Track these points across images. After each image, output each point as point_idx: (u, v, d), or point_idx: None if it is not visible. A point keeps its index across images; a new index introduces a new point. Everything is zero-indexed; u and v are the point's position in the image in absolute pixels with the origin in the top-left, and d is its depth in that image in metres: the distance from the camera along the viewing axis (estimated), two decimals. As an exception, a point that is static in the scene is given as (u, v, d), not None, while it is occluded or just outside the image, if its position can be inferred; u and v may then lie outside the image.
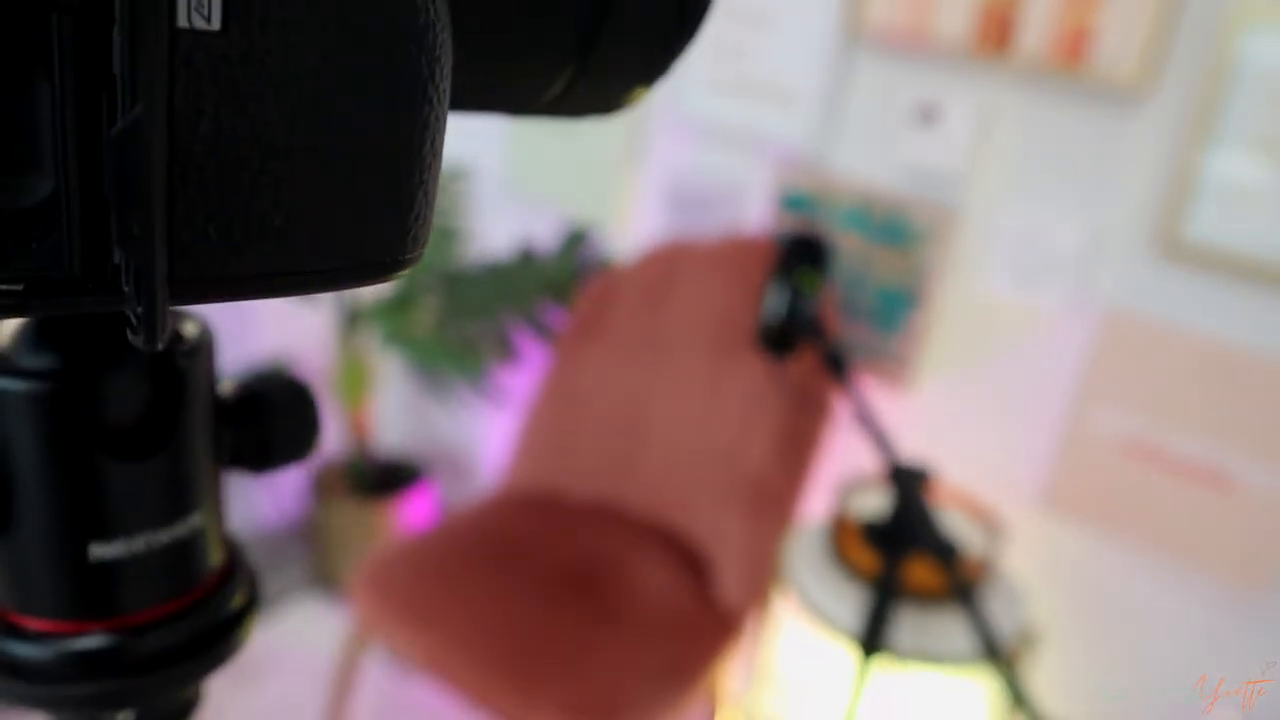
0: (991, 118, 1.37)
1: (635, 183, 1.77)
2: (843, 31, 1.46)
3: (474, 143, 1.97)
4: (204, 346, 0.24)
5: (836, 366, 1.10)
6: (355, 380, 1.90)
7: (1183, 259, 1.26)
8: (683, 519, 1.57)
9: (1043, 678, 1.42)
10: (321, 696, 1.69)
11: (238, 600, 0.26)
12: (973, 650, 1.09)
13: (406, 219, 0.18)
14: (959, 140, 1.39)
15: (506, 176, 1.93)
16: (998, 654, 0.86)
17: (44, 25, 0.14)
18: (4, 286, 0.15)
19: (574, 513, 1.60)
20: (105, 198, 0.15)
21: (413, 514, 1.97)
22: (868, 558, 1.13)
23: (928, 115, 1.41)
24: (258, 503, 2.14)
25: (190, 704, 0.26)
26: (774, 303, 1.16)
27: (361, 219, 0.17)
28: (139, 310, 0.15)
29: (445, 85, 0.18)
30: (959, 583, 0.90)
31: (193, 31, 0.14)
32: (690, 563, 1.51)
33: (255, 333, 2.01)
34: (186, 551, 0.24)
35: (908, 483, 0.97)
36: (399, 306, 1.88)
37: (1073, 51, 1.28)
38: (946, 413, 1.49)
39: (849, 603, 1.15)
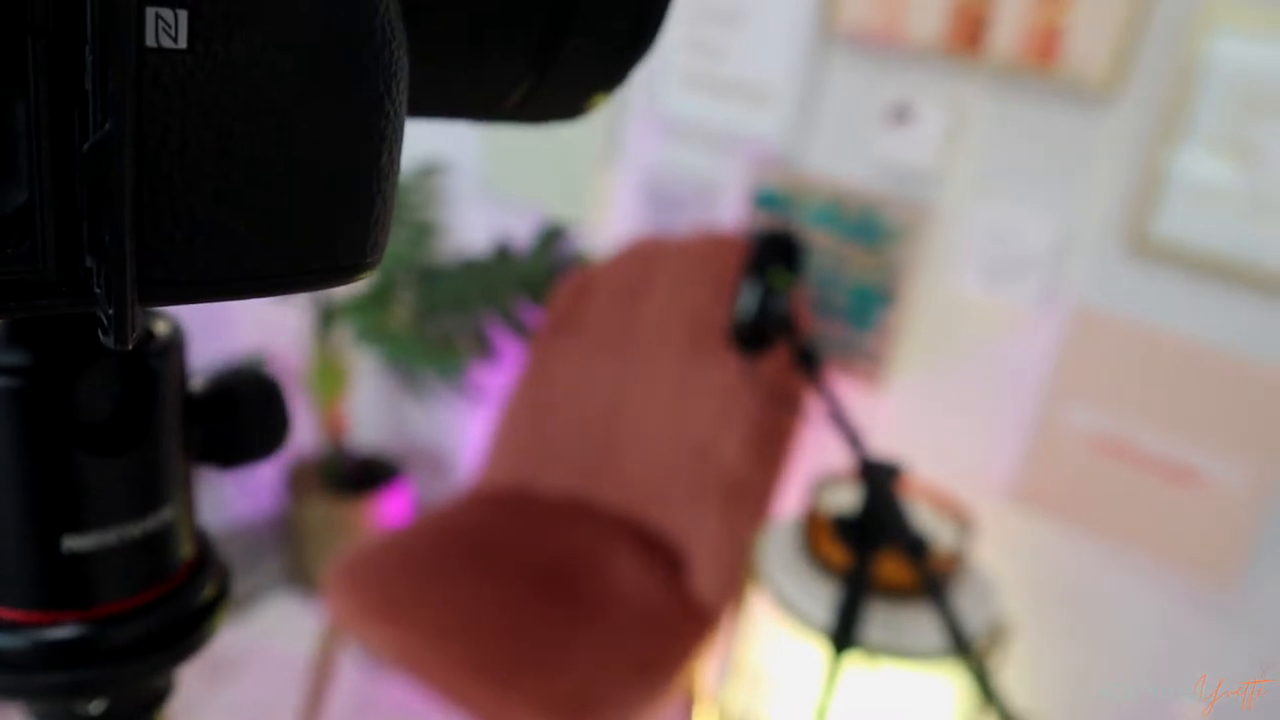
0: (964, 116, 1.39)
1: (611, 180, 1.78)
2: (816, 30, 1.48)
3: (451, 139, 1.97)
4: (175, 345, 0.25)
5: (808, 364, 1.11)
6: (330, 377, 1.90)
7: (1151, 257, 1.28)
8: (658, 515, 1.58)
9: (1013, 672, 1.44)
10: (296, 694, 1.69)
11: (208, 592, 0.27)
12: (943, 646, 1.10)
13: (366, 225, 0.19)
14: (931, 139, 1.41)
15: (483, 173, 1.93)
16: (967, 650, 0.87)
17: (19, 47, 0.15)
18: None
19: (549, 509, 1.61)
20: (78, 206, 0.15)
21: (388, 511, 1.97)
22: (839, 553, 1.14)
23: (901, 114, 1.43)
24: (233, 499, 2.13)
25: (162, 693, 0.27)
26: (746, 300, 1.17)
27: (322, 225, 0.18)
28: (110, 312, 0.16)
29: (401, 99, 0.18)
30: (929, 578, 0.91)
31: (160, 50, 0.15)
32: (665, 559, 1.52)
33: (231, 329, 2.00)
34: (157, 544, 0.25)
35: (878, 478, 0.98)
36: (374, 303, 1.88)
37: (1044, 51, 1.29)
38: (919, 409, 1.51)
39: (821, 598, 1.16)
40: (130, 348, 0.16)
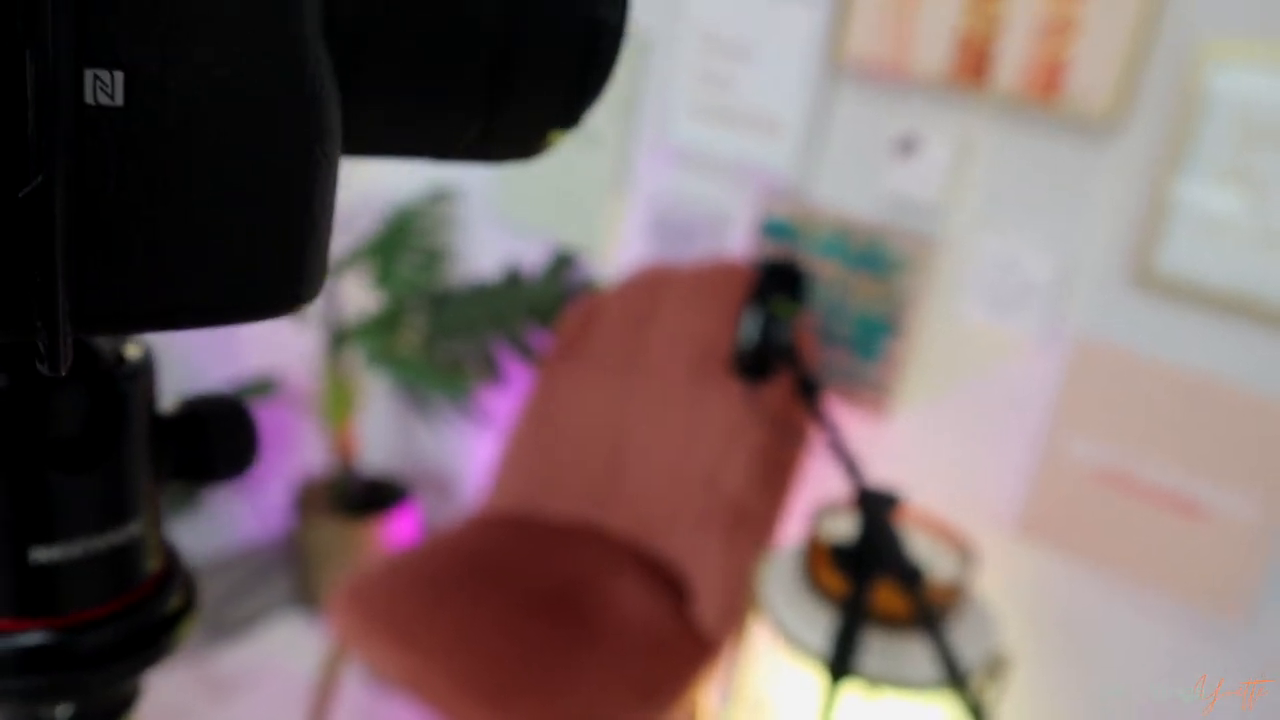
0: (969, 148, 1.40)
1: (621, 209, 1.80)
2: (824, 63, 1.49)
3: (462, 167, 1.99)
4: (145, 369, 0.26)
5: (809, 393, 1.11)
6: (340, 399, 1.92)
7: (1155, 288, 1.28)
8: (662, 541, 1.58)
9: (1014, 704, 1.43)
10: (300, 713, 1.69)
11: (174, 603, 0.28)
12: (940, 676, 1.10)
13: (298, 263, 0.20)
14: (937, 170, 1.42)
15: (494, 200, 1.95)
16: (961, 681, 0.87)
17: None
18: None
19: (554, 533, 1.61)
20: (16, 248, 0.17)
21: (396, 533, 1.98)
22: (838, 582, 1.15)
23: (907, 146, 1.44)
24: (243, 519, 2.15)
25: (128, 700, 0.28)
26: (749, 328, 1.18)
27: (254, 262, 0.20)
28: (45, 342, 0.17)
29: (332, 145, 0.20)
30: (924, 608, 0.91)
31: (98, 107, 0.17)
32: (669, 585, 1.52)
33: (242, 352, 2.03)
34: (124, 557, 0.26)
35: (875, 507, 0.98)
36: (385, 326, 1.90)
37: (1048, 83, 1.31)
38: (924, 439, 1.51)
39: (820, 626, 1.16)
40: (62, 374, 0.17)
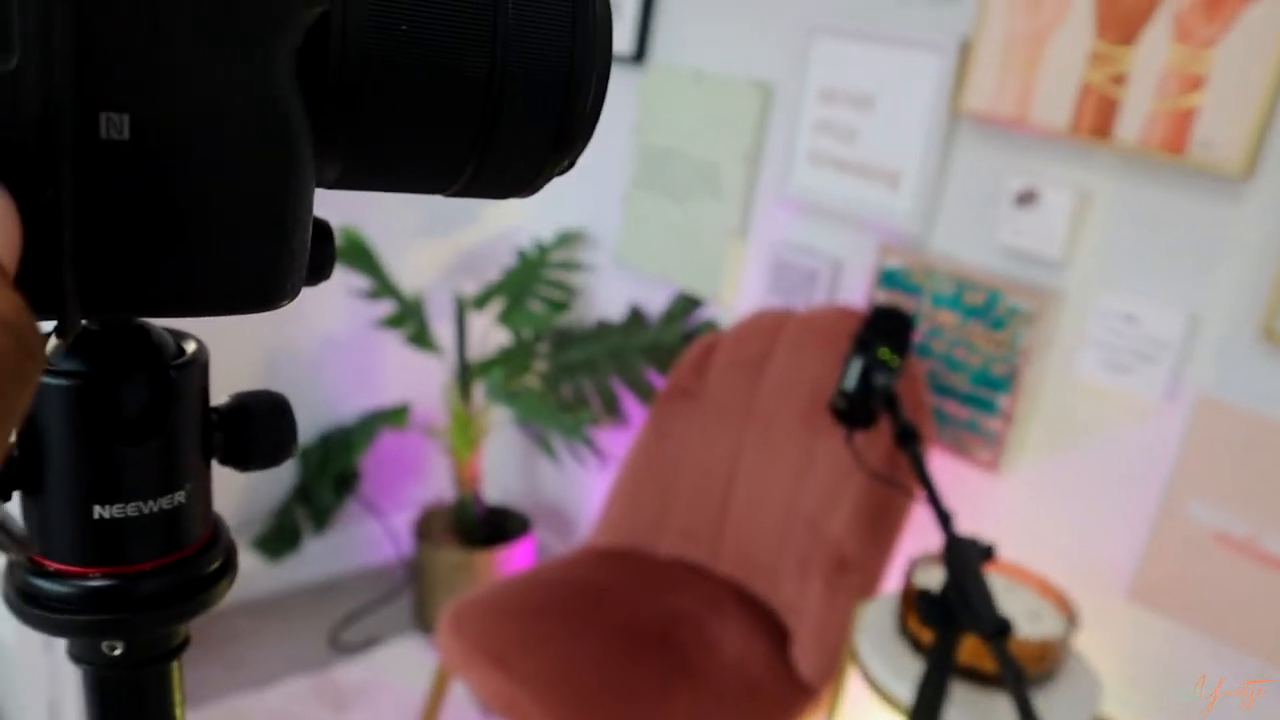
0: (1090, 202, 1.38)
1: (742, 256, 1.83)
2: (945, 115, 1.50)
3: (592, 211, 2.07)
4: (196, 362, 0.31)
5: (907, 441, 1.11)
6: (465, 431, 2.00)
7: (1286, 352, 1.23)
8: (765, 585, 1.59)
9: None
10: (410, 732, 1.76)
11: (215, 564, 0.33)
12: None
13: (273, 268, 0.25)
14: (1057, 224, 1.40)
15: (620, 245, 2.01)
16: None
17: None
18: None
19: (659, 569, 1.64)
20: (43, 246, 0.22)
21: (512, 564, 2.04)
22: (927, 633, 1.13)
23: (1026, 198, 1.43)
24: (373, 542, 2.26)
25: (178, 647, 0.33)
26: (851, 374, 1.19)
27: (236, 266, 0.25)
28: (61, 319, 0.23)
29: (303, 172, 0.25)
30: (1008, 664, 0.90)
31: (110, 141, 0.22)
32: (771, 627, 1.53)
33: (381, 382, 2.14)
34: (172, 519, 0.31)
35: (962, 558, 0.97)
36: (510, 362, 1.97)
37: (1175, 137, 1.28)
38: (1037, 497, 1.47)
39: (910, 678, 1.15)
40: (70, 340, 0.22)
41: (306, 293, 0.28)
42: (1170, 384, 1.32)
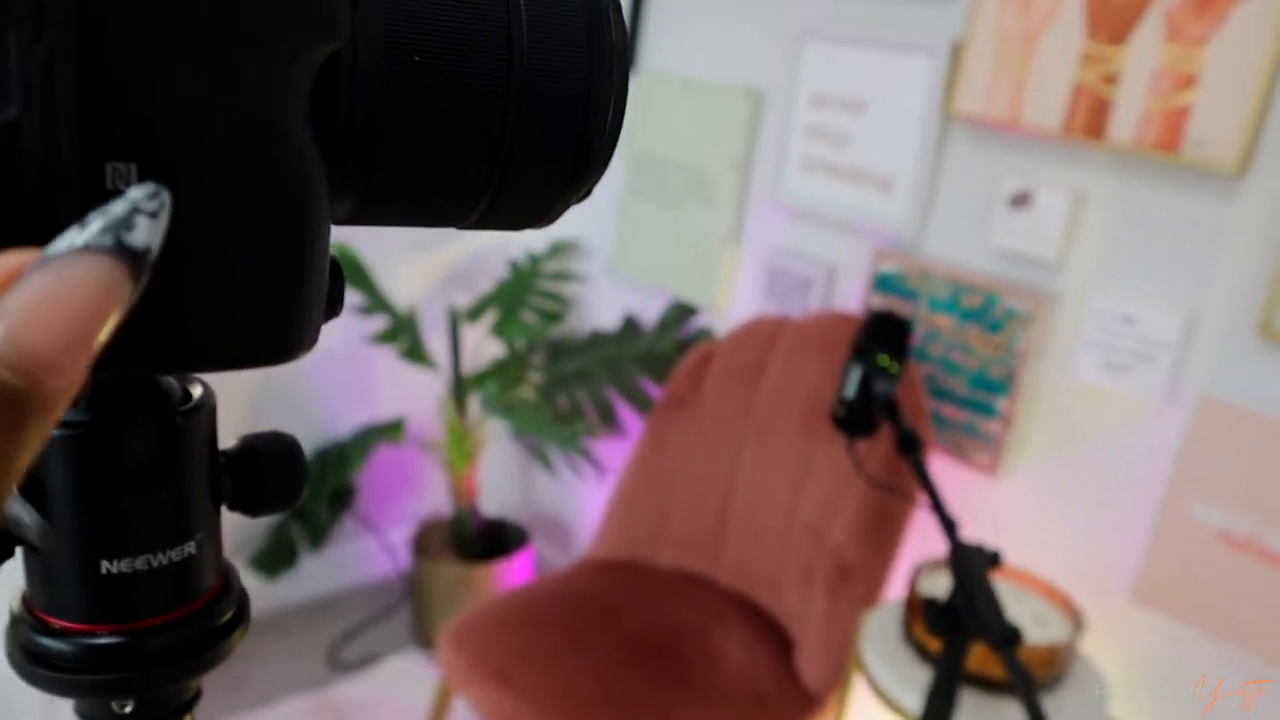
0: (1085, 202, 1.37)
1: (735, 263, 1.82)
2: (937, 117, 1.49)
3: (584, 221, 2.06)
4: (204, 407, 0.30)
5: (908, 447, 1.11)
6: (461, 444, 1.99)
7: (1284, 349, 1.23)
8: (767, 594, 1.58)
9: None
10: (413, 749, 1.74)
11: (227, 615, 0.31)
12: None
13: (291, 319, 0.24)
14: (1052, 225, 1.40)
15: (613, 254, 2.01)
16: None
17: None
18: None
19: (659, 580, 1.63)
20: None
21: (511, 577, 2.03)
22: (934, 640, 1.13)
23: (1021, 200, 1.42)
24: (370, 558, 2.24)
25: (186, 704, 0.32)
26: (850, 383, 1.19)
27: (253, 318, 0.24)
28: None
29: (319, 220, 0.23)
30: (1017, 669, 0.89)
31: (116, 191, 0.21)
32: (773, 637, 1.52)
33: (378, 398, 2.13)
34: (182, 571, 0.30)
35: (969, 564, 0.97)
36: (504, 374, 1.96)
37: (1169, 135, 1.27)
38: (1037, 500, 1.47)
39: (916, 685, 1.14)
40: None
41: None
42: (1169, 384, 1.32)
